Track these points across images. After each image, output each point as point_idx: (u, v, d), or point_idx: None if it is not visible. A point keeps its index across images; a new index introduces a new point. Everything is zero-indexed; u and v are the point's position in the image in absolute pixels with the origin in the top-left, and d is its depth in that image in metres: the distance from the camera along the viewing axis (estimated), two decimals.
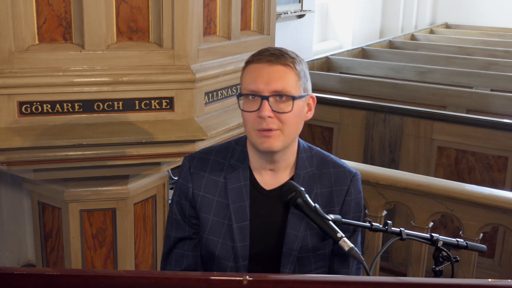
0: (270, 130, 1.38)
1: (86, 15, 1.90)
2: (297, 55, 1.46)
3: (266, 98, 1.37)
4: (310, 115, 1.48)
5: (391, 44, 6.63)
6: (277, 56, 1.40)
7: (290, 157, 1.50)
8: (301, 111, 1.44)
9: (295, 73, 1.41)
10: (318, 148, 1.57)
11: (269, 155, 1.45)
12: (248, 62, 1.44)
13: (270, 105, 1.37)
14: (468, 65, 5.37)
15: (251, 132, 1.41)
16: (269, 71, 1.39)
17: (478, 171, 3.42)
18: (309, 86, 1.47)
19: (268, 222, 1.51)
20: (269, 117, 1.37)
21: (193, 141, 2.06)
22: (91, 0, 1.89)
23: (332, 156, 1.58)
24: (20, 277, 1.07)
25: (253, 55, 1.44)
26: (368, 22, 7.79)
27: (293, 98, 1.39)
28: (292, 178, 1.50)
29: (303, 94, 1.43)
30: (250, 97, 1.39)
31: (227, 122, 2.21)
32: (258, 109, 1.37)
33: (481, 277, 2.88)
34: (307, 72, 1.47)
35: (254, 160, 1.50)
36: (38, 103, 1.96)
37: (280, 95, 1.38)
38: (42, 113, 1.97)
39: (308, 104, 1.47)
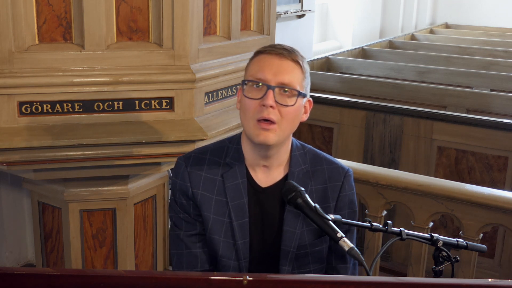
0: (269, 122, 1.39)
1: (86, 15, 1.90)
2: (304, 57, 1.48)
3: (272, 88, 1.39)
4: (305, 117, 1.50)
5: (391, 44, 6.63)
6: (289, 52, 1.43)
7: (283, 154, 1.51)
8: (300, 110, 1.46)
9: (302, 72, 1.45)
10: (310, 146, 1.59)
11: (263, 150, 1.46)
12: (258, 52, 1.46)
13: (274, 96, 1.38)
14: (468, 65, 5.36)
15: (249, 121, 1.41)
16: (279, 63, 1.41)
17: (478, 171, 3.41)
18: (309, 89, 1.49)
19: (265, 220, 1.52)
20: (271, 107, 1.38)
21: (193, 141, 2.06)
22: (91, 0, 1.89)
23: (324, 153, 1.60)
24: (20, 277, 1.07)
25: (264, 47, 1.46)
26: (368, 22, 7.78)
27: (298, 93, 1.42)
28: (286, 176, 1.51)
29: (306, 93, 1.45)
30: (255, 85, 1.41)
31: (227, 122, 2.21)
32: (262, 97, 1.39)
33: (481, 277, 2.88)
34: (309, 75, 1.49)
35: (248, 156, 1.51)
36: (38, 103, 1.96)
37: (285, 88, 1.40)
38: (42, 113, 1.97)
39: (305, 107, 1.50)
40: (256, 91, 1.41)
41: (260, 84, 1.40)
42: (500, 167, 3.35)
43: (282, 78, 1.40)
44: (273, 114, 1.39)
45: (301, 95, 1.43)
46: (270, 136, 1.41)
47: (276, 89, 1.39)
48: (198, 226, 1.54)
